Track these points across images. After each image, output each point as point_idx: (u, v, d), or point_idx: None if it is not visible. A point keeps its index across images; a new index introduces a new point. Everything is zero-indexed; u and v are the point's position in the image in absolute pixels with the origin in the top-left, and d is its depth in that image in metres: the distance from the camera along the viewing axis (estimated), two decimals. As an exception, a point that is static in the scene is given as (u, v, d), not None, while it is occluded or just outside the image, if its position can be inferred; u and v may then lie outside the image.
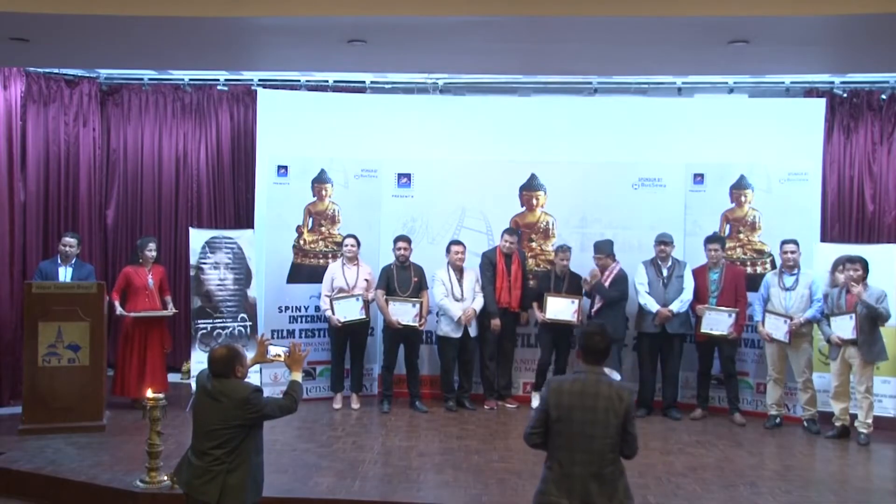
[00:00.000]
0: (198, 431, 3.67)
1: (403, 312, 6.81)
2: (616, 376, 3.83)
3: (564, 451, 3.28)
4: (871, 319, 6.08)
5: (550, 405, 3.32)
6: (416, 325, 6.80)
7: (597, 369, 3.37)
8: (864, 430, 6.15)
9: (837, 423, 6.31)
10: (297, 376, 3.87)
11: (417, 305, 6.81)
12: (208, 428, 3.60)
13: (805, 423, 6.51)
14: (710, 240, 6.87)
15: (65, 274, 6.67)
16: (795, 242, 6.60)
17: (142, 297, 6.81)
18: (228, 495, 3.55)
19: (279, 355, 4.05)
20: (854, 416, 6.28)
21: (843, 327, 6.19)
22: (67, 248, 6.73)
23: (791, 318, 6.44)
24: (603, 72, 7.56)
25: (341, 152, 7.48)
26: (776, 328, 6.53)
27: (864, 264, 6.20)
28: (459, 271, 6.95)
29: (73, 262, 6.75)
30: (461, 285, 6.92)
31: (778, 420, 6.61)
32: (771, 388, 6.67)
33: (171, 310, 6.99)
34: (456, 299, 6.90)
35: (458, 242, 7.02)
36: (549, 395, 3.35)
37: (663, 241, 6.88)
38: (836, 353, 6.28)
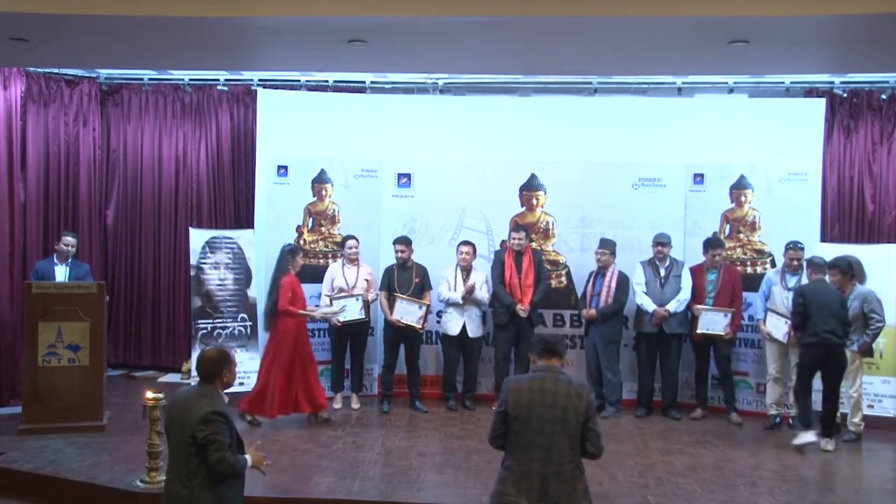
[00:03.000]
0: (170, 451, 3.52)
1: (409, 312, 6.81)
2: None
3: (523, 449, 3.30)
4: (864, 319, 6.07)
5: (510, 405, 3.35)
6: (418, 326, 6.81)
7: (555, 367, 3.40)
8: (854, 430, 6.16)
9: None
10: (248, 462, 3.55)
11: (423, 308, 6.82)
12: (177, 446, 3.45)
13: (791, 422, 6.50)
14: (713, 245, 6.79)
15: (61, 273, 6.67)
16: (802, 248, 6.57)
17: (301, 307, 6.41)
18: None
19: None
20: (844, 416, 6.29)
21: None
22: (69, 248, 6.73)
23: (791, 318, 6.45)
24: (603, 72, 7.56)
25: (341, 152, 7.47)
26: (776, 328, 6.53)
27: (841, 270, 6.06)
28: (467, 271, 6.96)
29: (69, 261, 6.75)
30: (464, 284, 6.92)
31: (778, 420, 6.61)
32: (770, 388, 6.66)
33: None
34: (457, 298, 6.94)
35: (467, 243, 7.01)
36: (509, 394, 3.37)
37: (660, 242, 6.87)
38: None
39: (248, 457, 3.55)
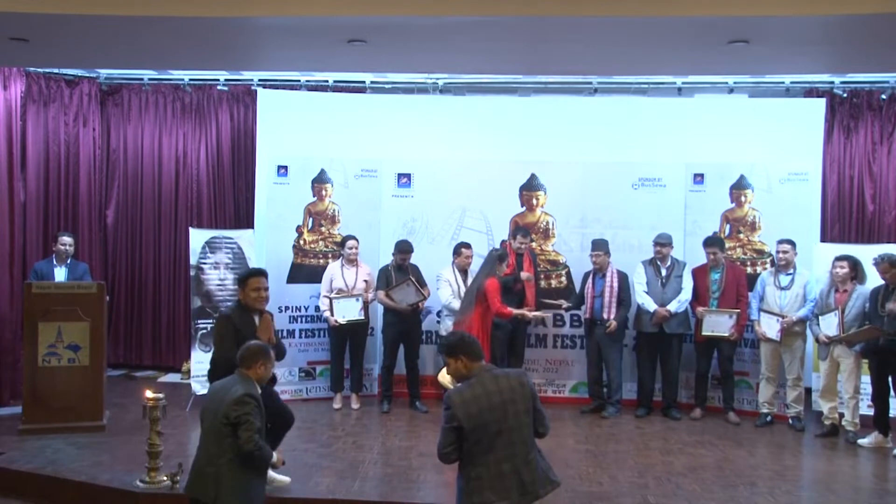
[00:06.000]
0: (202, 435, 3.79)
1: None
2: None
3: (489, 454, 3.29)
4: (864, 319, 6.07)
5: (461, 419, 3.28)
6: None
7: (484, 366, 3.43)
8: (852, 429, 6.16)
9: (826, 422, 6.33)
10: (273, 457, 3.80)
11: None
12: (209, 429, 3.70)
13: (790, 421, 6.52)
14: (708, 243, 6.81)
15: (61, 274, 6.67)
16: (790, 242, 6.59)
17: None
18: (224, 496, 3.58)
19: None
20: (842, 415, 6.30)
21: (830, 325, 6.21)
22: (66, 248, 6.72)
23: (783, 317, 6.45)
24: (603, 72, 7.57)
25: (341, 152, 7.48)
26: (769, 327, 6.54)
27: (853, 263, 6.19)
28: (464, 272, 6.95)
29: (68, 261, 6.75)
30: (466, 286, 6.91)
31: (769, 418, 6.62)
32: (763, 387, 6.67)
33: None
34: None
35: (468, 245, 6.98)
36: (456, 409, 3.29)
37: (659, 243, 6.86)
38: (825, 352, 6.29)
39: (274, 452, 3.79)
